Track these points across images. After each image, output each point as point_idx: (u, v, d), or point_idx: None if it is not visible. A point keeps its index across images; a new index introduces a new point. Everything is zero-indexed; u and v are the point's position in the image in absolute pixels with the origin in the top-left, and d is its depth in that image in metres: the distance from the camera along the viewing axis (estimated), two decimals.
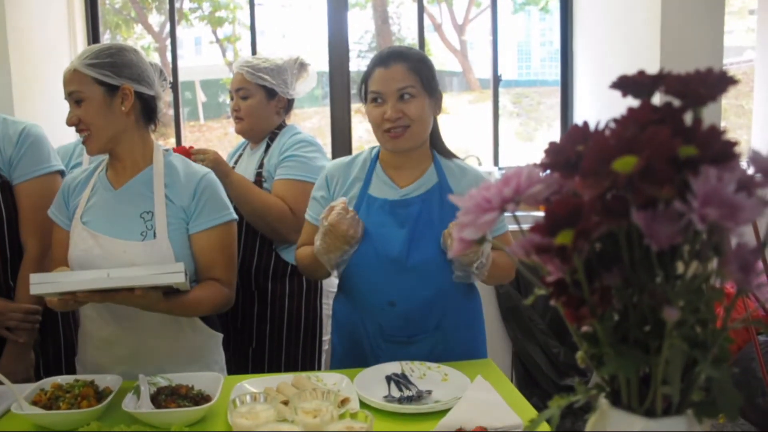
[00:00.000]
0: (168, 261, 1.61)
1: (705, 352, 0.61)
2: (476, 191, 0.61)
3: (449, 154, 1.80)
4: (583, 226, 0.51)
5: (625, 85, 0.61)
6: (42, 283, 1.44)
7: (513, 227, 1.82)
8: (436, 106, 1.72)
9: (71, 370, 1.96)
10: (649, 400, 0.64)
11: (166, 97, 1.88)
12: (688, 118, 0.55)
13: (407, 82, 1.64)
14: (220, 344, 1.84)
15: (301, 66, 2.39)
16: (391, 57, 1.66)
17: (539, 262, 0.56)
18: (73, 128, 1.68)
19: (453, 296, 1.71)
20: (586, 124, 0.59)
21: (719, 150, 0.50)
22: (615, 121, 0.56)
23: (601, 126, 0.58)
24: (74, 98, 1.65)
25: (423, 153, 1.75)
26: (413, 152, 1.72)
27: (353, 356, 1.77)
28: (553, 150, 0.59)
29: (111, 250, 1.64)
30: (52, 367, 1.95)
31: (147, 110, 1.74)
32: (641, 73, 0.61)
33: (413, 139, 1.67)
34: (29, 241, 1.86)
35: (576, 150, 0.57)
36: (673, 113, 0.53)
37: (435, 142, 1.79)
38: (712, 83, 0.53)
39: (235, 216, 1.75)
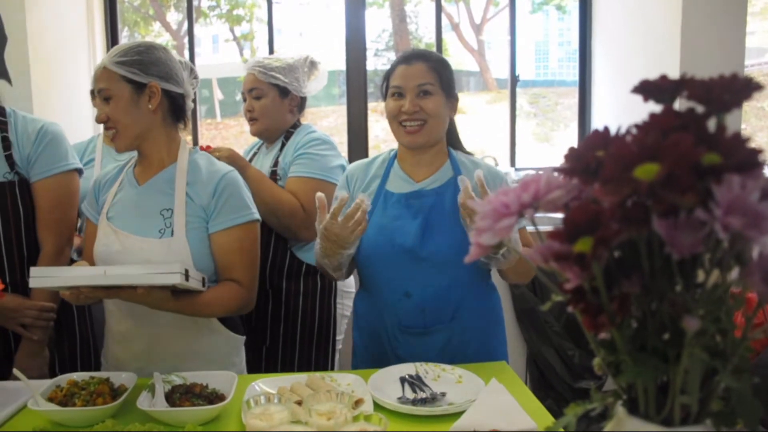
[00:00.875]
0: (185, 260, 1.61)
1: (725, 361, 0.60)
2: (494, 196, 0.61)
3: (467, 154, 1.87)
4: (603, 233, 0.50)
5: (646, 89, 0.61)
6: (40, 277, 1.45)
7: (530, 229, 1.82)
8: (452, 107, 1.80)
9: (86, 367, 1.99)
10: (667, 409, 0.63)
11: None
12: (711, 124, 0.54)
13: (427, 79, 1.72)
14: (241, 346, 1.83)
15: (312, 64, 2.39)
16: (413, 56, 1.76)
17: (558, 268, 0.55)
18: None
19: (468, 288, 1.75)
20: (606, 129, 0.58)
21: (743, 158, 0.49)
22: (636, 126, 0.55)
23: (622, 131, 0.58)
24: (103, 95, 1.66)
25: (439, 150, 1.81)
26: (429, 149, 1.79)
27: (373, 350, 1.80)
28: (572, 155, 0.58)
29: (129, 246, 1.65)
30: (67, 364, 1.97)
31: (175, 108, 1.74)
32: (663, 78, 0.60)
33: (429, 134, 1.74)
34: (45, 238, 1.88)
35: (596, 156, 0.56)
36: (696, 119, 0.52)
37: (453, 143, 1.86)
38: (737, 89, 0.52)
39: (257, 216, 1.73)
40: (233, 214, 1.68)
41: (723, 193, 0.48)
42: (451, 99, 1.78)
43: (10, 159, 1.84)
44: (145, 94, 1.67)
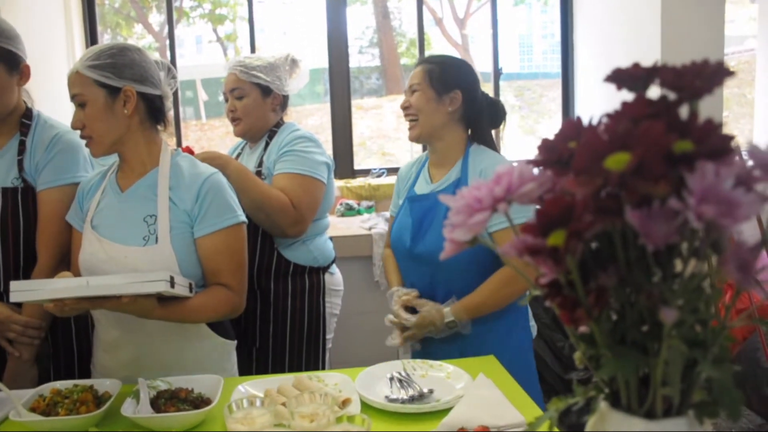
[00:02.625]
0: (170, 267, 1.58)
1: (705, 351, 0.59)
2: (467, 190, 0.59)
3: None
4: (576, 226, 0.49)
5: (619, 78, 0.59)
6: (21, 291, 1.42)
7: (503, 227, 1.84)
8: (450, 103, 1.89)
9: (85, 377, 1.93)
10: (649, 401, 0.62)
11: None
12: (684, 111, 0.53)
13: (415, 79, 1.91)
14: (232, 351, 1.80)
15: (293, 62, 2.37)
16: (419, 61, 1.97)
17: (532, 263, 0.54)
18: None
19: (461, 288, 1.83)
20: (579, 119, 0.57)
21: (716, 144, 0.48)
22: (608, 116, 0.54)
23: (595, 121, 0.56)
24: (77, 101, 1.62)
25: (449, 148, 1.94)
26: (436, 146, 1.95)
27: None
28: (545, 147, 0.57)
29: (113, 254, 1.61)
30: (63, 376, 1.89)
31: (152, 110, 1.70)
32: (636, 66, 0.59)
33: (420, 128, 1.91)
34: (42, 251, 1.81)
35: (568, 147, 0.55)
36: (668, 107, 0.51)
37: (484, 143, 1.95)
38: (709, 75, 0.51)
39: (243, 219, 1.70)
40: (218, 217, 1.64)
41: (696, 181, 0.47)
42: (448, 94, 1.88)
43: (21, 164, 1.80)
44: (120, 99, 1.62)
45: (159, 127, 1.74)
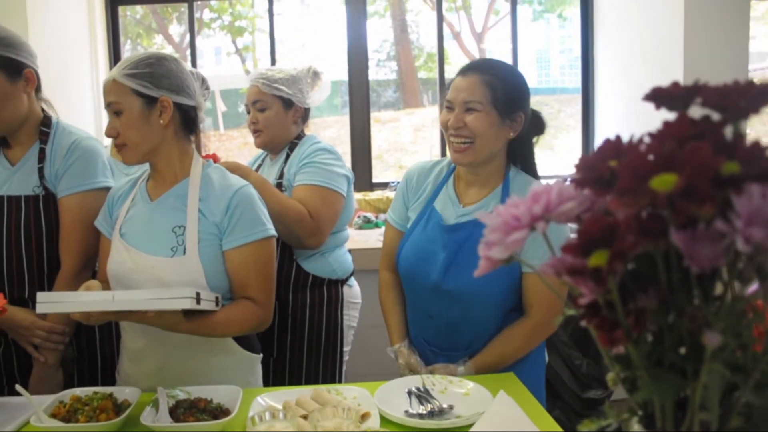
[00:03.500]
0: (197, 279, 1.58)
1: (746, 376, 0.58)
2: (504, 208, 0.59)
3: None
4: (619, 246, 0.49)
5: (658, 97, 0.59)
6: (47, 303, 1.43)
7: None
8: (512, 127, 1.68)
9: (108, 384, 1.94)
10: (685, 425, 0.61)
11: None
12: (727, 132, 0.52)
13: (475, 96, 1.63)
14: (257, 365, 1.80)
15: (315, 75, 2.38)
16: (471, 68, 1.69)
17: (571, 283, 0.54)
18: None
19: (490, 325, 1.71)
20: (618, 138, 0.57)
21: (763, 167, 0.47)
22: (650, 135, 0.53)
23: (635, 140, 0.56)
24: (113, 109, 1.61)
25: (493, 171, 1.73)
26: (482, 169, 1.72)
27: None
28: (584, 165, 0.57)
29: (141, 264, 1.61)
30: (87, 381, 1.91)
31: (186, 121, 1.69)
32: (676, 85, 0.58)
33: (475, 154, 1.66)
34: (66, 257, 1.83)
35: (608, 166, 0.55)
36: (713, 127, 0.51)
37: (524, 167, 1.77)
38: (755, 95, 0.50)
39: (272, 233, 1.68)
40: (247, 230, 1.63)
41: (743, 204, 0.46)
42: (510, 118, 1.66)
43: (41, 172, 1.81)
44: (157, 109, 1.62)
45: (191, 138, 1.74)
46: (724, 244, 0.48)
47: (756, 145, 0.48)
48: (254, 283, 1.64)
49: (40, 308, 1.42)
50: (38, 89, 1.88)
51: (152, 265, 1.60)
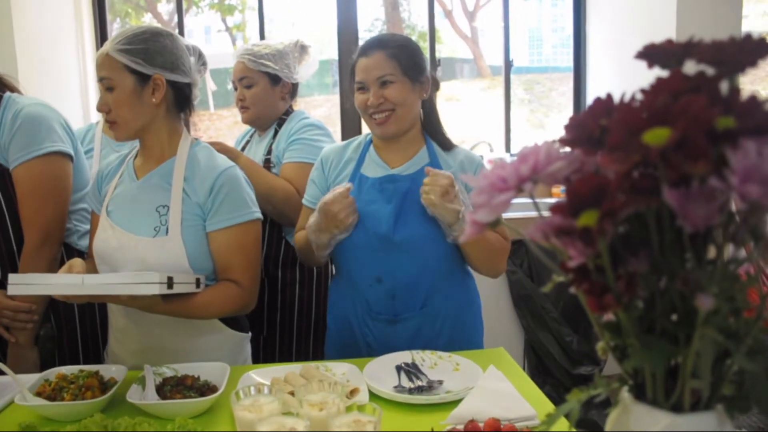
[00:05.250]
0: (179, 259, 1.56)
1: (738, 343, 0.56)
2: (491, 170, 0.57)
3: (444, 139, 1.80)
4: (609, 205, 0.47)
5: (651, 54, 0.57)
6: (19, 284, 1.40)
7: (532, 214, 1.79)
8: (423, 89, 1.74)
9: (90, 362, 1.92)
10: (676, 394, 0.59)
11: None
12: (722, 87, 0.50)
13: (386, 69, 1.68)
14: (245, 343, 1.77)
15: (302, 49, 2.34)
16: (371, 46, 1.72)
17: (559, 246, 0.52)
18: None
19: (440, 275, 1.72)
20: (609, 96, 0.55)
21: (760, 121, 0.45)
22: (643, 91, 0.51)
23: (627, 98, 0.54)
24: (105, 85, 1.57)
25: (414, 136, 1.78)
26: (403, 136, 1.76)
27: (344, 339, 1.79)
28: (574, 125, 0.55)
29: (125, 243, 1.59)
30: (68, 359, 1.89)
31: (180, 99, 1.66)
32: (669, 42, 0.56)
33: (398, 122, 1.71)
34: (26, 230, 1.77)
35: (599, 124, 0.53)
36: (708, 82, 0.49)
37: (430, 127, 1.81)
38: (751, 49, 0.48)
39: (257, 216, 1.65)
40: (232, 212, 1.60)
41: (739, 160, 0.44)
42: (419, 81, 1.72)
43: None
44: (149, 87, 1.58)
45: (182, 115, 1.70)
46: (718, 203, 0.46)
47: (753, 99, 0.46)
48: (237, 266, 1.62)
49: (11, 290, 1.39)
50: None
51: (135, 245, 1.57)
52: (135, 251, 1.57)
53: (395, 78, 1.68)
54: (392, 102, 1.68)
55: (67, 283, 1.40)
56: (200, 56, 1.78)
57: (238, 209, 1.61)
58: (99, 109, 1.60)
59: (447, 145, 1.79)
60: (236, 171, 1.65)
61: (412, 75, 1.70)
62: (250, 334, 1.79)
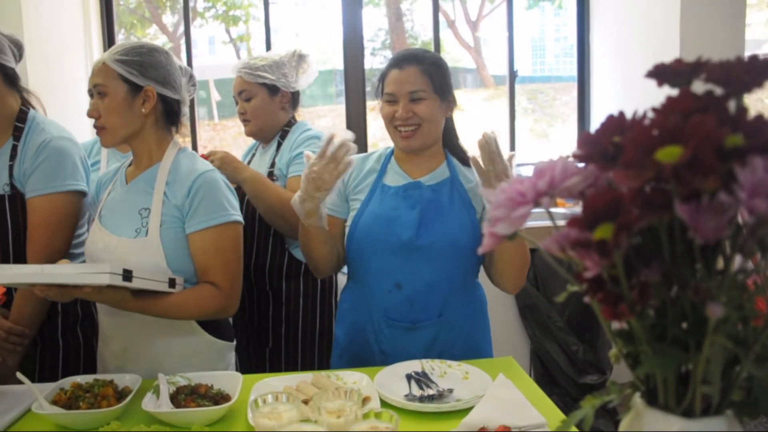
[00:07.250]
0: (158, 260, 1.60)
1: (747, 350, 0.59)
2: (509, 185, 0.59)
3: (464, 155, 1.83)
4: (624, 219, 0.49)
5: (661, 73, 0.59)
6: None
7: (538, 223, 1.82)
8: (448, 108, 1.78)
9: (89, 367, 1.92)
10: (687, 399, 0.62)
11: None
12: (730, 106, 0.53)
13: (418, 85, 1.70)
14: (228, 352, 1.77)
15: (300, 58, 2.36)
16: (405, 59, 1.73)
17: (575, 257, 0.54)
18: (88, 128, 1.66)
19: (458, 285, 1.74)
20: (622, 114, 0.57)
21: (767, 139, 0.47)
22: (654, 110, 0.54)
23: (638, 115, 0.56)
24: (98, 90, 1.64)
25: (435, 151, 1.81)
26: (426, 151, 1.79)
27: (356, 347, 1.79)
28: (587, 141, 0.57)
29: (108, 243, 1.65)
30: (71, 365, 1.89)
31: (169, 113, 1.72)
32: (678, 61, 0.59)
33: (424, 137, 1.73)
34: (30, 259, 1.77)
35: (612, 141, 0.55)
36: (716, 101, 0.51)
37: (450, 143, 1.84)
38: (757, 70, 0.51)
39: (235, 218, 1.67)
40: (209, 215, 1.63)
41: (747, 176, 0.47)
42: (447, 100, 1.76)
43: (11, 170, 1.77)
44: (140, 97, 1.65)
45: (173, 129, 1.76)
46: (727, 216, 0.48)
47: (759, 118, 0.48)
48: (215, 268, 1.64)
49: None
50: (12, 82, 1.82)
51: (116, 245, 1.63)
52: (116, 251, 1.62)
53: (426, 95, 1.70)
54: (420, 117, 1.70)
55: (29, 272, 1.45)
56: (191, 77, 1.85)
57: (215, 211, 1.64)
58: (89, 114, 1.66)
59: (466, 161, 1.81)
60: (215, 174, 1.69)
61: (441, 93, 1.73)
62: (234, 342, 1.80)
